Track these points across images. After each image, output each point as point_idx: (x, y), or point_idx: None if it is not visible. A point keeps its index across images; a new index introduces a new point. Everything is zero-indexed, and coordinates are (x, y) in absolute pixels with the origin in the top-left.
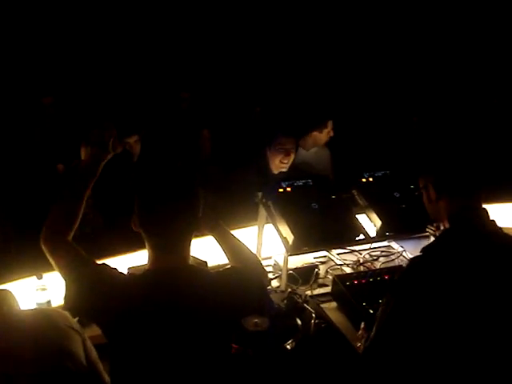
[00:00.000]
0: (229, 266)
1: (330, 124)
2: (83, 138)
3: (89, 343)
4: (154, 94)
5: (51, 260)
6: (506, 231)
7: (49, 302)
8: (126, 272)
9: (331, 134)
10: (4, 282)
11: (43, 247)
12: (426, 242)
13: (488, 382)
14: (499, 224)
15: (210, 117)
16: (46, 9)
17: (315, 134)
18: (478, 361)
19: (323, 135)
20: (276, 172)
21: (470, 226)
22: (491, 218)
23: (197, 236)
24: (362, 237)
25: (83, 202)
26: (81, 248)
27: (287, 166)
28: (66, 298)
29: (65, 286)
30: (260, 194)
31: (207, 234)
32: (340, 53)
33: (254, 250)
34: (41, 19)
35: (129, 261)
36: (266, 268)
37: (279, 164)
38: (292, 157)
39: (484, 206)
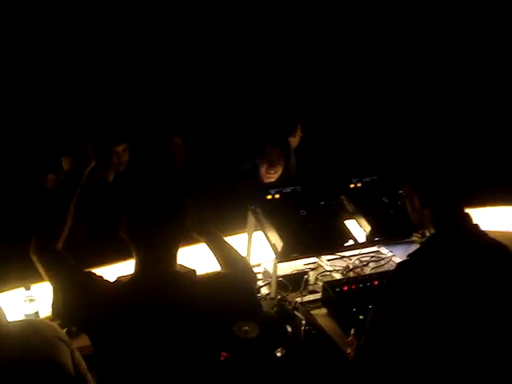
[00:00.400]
0: (217, 272)
1: (299, 126)
2: (63, 148)
3: (77, 354)
4: (137, 102)
5: (40, 270)
6: (490, 235)
7: (37, 312)
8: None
9: (301, 134)
10: None
11: (33, 257)
12: (415, 247)
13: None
14: (484, 228)
15: (183, 123)
16: (29, 20)
17: (290, 139)
18: (468, 364)
19: (296, 138)
20: (266, 181)
21: (455, 231)
22: (475, 222)
23: (188, 242)
24: (351, 242)
25: (71, 211)
26: (70, 256)
27: (274, 176)
28: (53, 306)
29: (52, 295)
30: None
31: (198, 240)
32: (326, 57)
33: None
34: (23, 30)
35: (117, 270)
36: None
37: (266, 174)
38: (279, 167)
39: (467, 210)
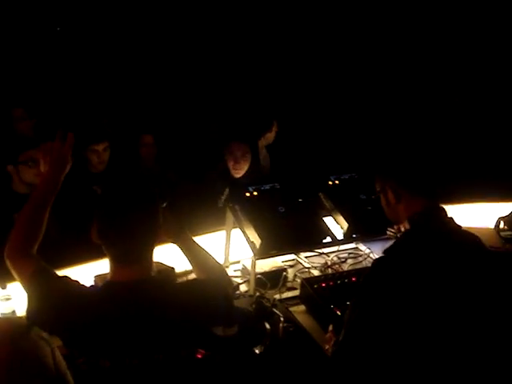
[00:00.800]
0: (193, 278)
1: (275, 121)
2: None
3: (58, 353)
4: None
5: (15, 274)
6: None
7: (13, 311)
8: (92, 280)
9: (276, 129)
10: None
11: (7, 261)
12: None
13: (456, 380)
14: (459, 224)
15: (156, 122)
16: (17, 20)
17: (268, 135)
18: (445, 358)
19: (273, 133)
20: (235, 176)
21: (430, 226)
22: (449, 216)
23: (160, 244)
24: (329, 239)
25: (46, 216)
26: (43, 260)
27: (240, 172)
28: (28, 311)
29: (27, 300)
30: (223, 197)
31: (171, 243)
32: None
33: (222, 255)
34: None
35: (94, 269)
36: (232, 274)
37: (233, 170)
38: (244, 163)
39: (442, 206)
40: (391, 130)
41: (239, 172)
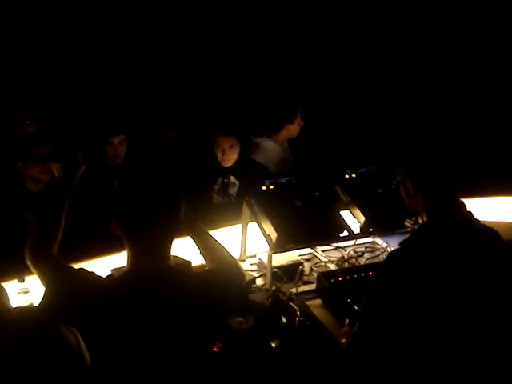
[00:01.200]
0: (207, 268)
1: (299, 113)
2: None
3: (82, 342)
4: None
5: (36, 273)
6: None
7: (31, 304)
8: (109, 273)
9: (302, 123)
10: None
11: (28, 262)
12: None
13: (470, 374)
14: (478, 217)
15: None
16: (21, 17)
17: (289, 126)
18: (460, 352)
19: (296, 126)
20: (224, 166)
21: (448, 218)
22: (468, 210)
23: (179, 237)
24: (345, 233)
25: (63, 216)
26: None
27: (228, 162)
28: (42, 305)
29: (43, 294)
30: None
31: (186, 235)
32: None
33: (238, 248)
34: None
35: (110, 262)
36: (248, 268)
37: (221, 161)
38: (232, 154)
39: (462, 199)
40: (410, 124)
41: (227, 162)
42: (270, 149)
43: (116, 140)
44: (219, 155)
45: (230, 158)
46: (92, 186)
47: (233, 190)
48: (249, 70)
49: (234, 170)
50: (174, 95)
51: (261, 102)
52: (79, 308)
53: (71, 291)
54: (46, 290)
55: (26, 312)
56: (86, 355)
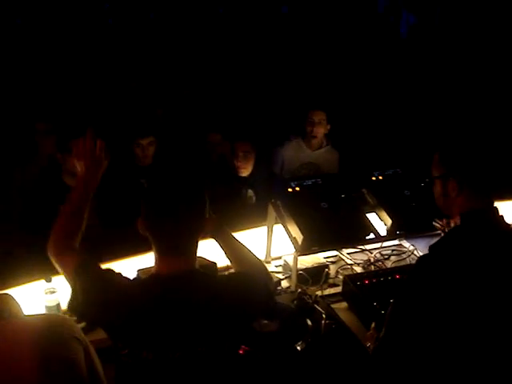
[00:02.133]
0: (234, 271)
1: (317, 114)
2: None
3: (92, 351)
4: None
5: (59, 268)
6: None
7: (58, 304)
8: (135, 274)
9: (326, 125)
10: (13, 286)
11: (51, 257)
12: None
13: (497, 380)
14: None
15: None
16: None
17: (309, 129)
18: (488, 361)
19: (316, 128)
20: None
21: (482, 223)
22: (500, 214)
23: (202, 239)
24: (372, 236)
25: (86, 212)
26: (86, 254)
27: (244, 171)
28: (70, 303)
29: (70, 293)
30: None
31: (210, 237)
32: (338, 50)
33: (263, 250)
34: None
35: (137, 263)
36: (273, 270)
37: (237, 169)
38: (247, 162)
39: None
40: (455, 124)
41: (243, 171)
42: (300, 149)
43: (144, 142)
44: (235, 162)
45: (244, 166)
46: (121, 185)
47: (248, 202)
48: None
49: (251, 182)
50: (201, 99)
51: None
52: (106, 309)
53: (97, 291)
54: (72, 288)
55: (42, 321)
56: (96, 363)
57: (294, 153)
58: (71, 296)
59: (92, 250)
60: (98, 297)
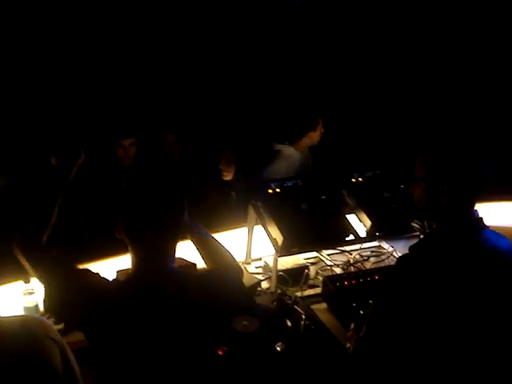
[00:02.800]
0: (209, 269)
1: (320, 120)
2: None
3: (68, 351)
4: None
5: (26, 266)
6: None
7: (37, 305)
8: (114, 275)
9: (322, 130)
10: None
11: (16, 253)
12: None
13: (477, 381)
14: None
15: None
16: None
17: (311, 133)
18: (468, 360)
19: (317, 133)
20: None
21: (462, 224)
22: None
23: (182, 240)
24: (351, 237)
25: (56, 208)
26: (58, 252)
27: (226, 175)
28: (45, 303)
29: (44, 292)
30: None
31: (186, 238)
32: (323, 52)
33: (243, 251)
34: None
35: (116, 264)
36: (254, 271)
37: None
38: (226, 168)
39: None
40: (438, 127)
41: (225, 175)
42: (291, 156)
43: (126, 142)
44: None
45: (225, 171)
46: (101, 186)
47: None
48: (268, 78)
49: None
50: (189, 99)
51: (282, 110)
52: (83, 308)
53: (73, 291)
54: (45, 287)
55: (16, 323)
56: (72, 364)
57: (287, 163)
58: (44, 295)
59: (70, 250)
60: (72, 296)
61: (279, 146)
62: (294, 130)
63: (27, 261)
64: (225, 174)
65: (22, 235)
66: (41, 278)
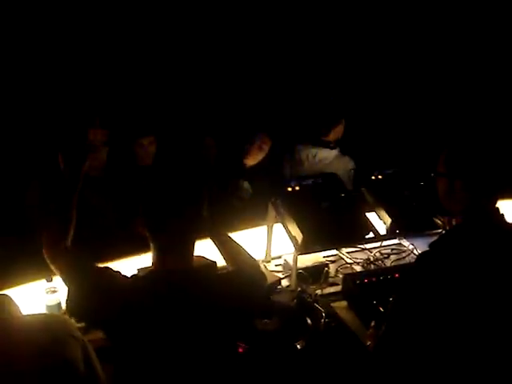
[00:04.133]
0: (230, 270)
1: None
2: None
3: (90, 349)
4: (164, 96)
5: (53, 267)
6: None
7: (59, 304)
8: (135, 272)
9: (344, 123)
10: (13, 286)
11: (45, 256)
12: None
13: (496, 379)
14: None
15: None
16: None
17: (336, 129)
18: (487, 359)
19: (342, 126)
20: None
21: (485, 221)
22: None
23: (199, 239)
24: (371, 235)
25: (74, 209)
26: (80, 252)
27: (252, 159)
28: (67, 303)
29: (67, 292)
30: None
31: (207, 237)
32: (343, 51)
33: (263, 250)
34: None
35: (137, 263)
36: (273, 269)
37: (248, 156)
38: (261, 153)
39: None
40: (460, 124)
41: (250, 160)
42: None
43: (146, 141)
44: (250, 148)
45: (255, 157)
46: (122, 186)
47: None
48: (291, 82)
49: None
50: (210, 98)
51: (304, 110)
52: (104, 307)
53: (94, 290)
54: (68, 287)
55: (38, 321)
56: (94, 361)
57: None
58: (67, 296)
59: (90, 249)
60: (95, 296)
61: (304, 148)
62: (320, 128)
63: (53, 263)
64: (250, 158)
65: (46, 238)
66: (65, 279)
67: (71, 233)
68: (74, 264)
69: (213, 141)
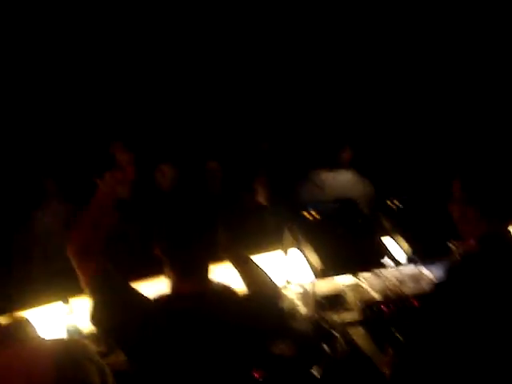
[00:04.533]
0: (248, 293)
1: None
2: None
3: (106, 371)
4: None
5: (79, 273)
6: None
7: (75, 325)
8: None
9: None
10: (30, 307)
11: (72, 259)
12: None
13: None
14: None
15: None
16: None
17: (343, 154)
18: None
19: (348, 150)
20: None
21: (500, 248)
22: None
23: (217, 261)
24: (388, 261)
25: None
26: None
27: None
28: (91, 315)
29: (91, 303)
30: None
31: (225, 259)
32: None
33: (280, 275)
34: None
35: (152, 287)
36: (291, 294)
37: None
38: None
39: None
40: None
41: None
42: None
43: (165, 167)
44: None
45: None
46: (142, 210)
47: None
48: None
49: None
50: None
51: (310, 138)
52: (128, 324)
53: (116, 308)
54: (91, 297)
55: (57, 344)
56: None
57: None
58: (91, 307)
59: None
60: (116, 313)
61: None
62: (329, 154)
63: (78, 268)
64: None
65: (77, 242)
66: (88, 287)
67: (103, 242)
68: (100, 273)
69: (218, 165)
